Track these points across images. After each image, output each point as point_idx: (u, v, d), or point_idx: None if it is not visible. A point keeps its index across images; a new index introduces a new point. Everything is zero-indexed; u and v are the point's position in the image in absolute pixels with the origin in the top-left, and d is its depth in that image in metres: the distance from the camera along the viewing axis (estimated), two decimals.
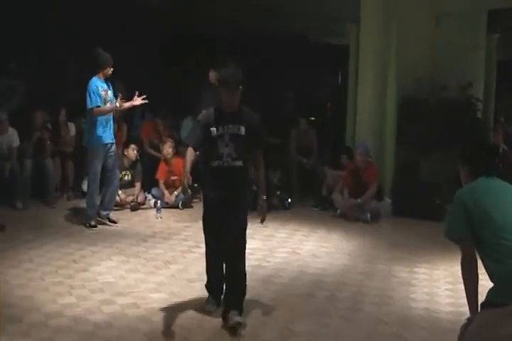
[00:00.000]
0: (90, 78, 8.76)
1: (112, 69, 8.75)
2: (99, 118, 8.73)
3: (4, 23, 11.73)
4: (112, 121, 8.96)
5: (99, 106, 8.68)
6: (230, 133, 5.63)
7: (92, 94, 8.64)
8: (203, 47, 14.34)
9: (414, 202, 9.84)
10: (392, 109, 10.74)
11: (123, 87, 12.17)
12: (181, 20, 13.84)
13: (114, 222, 9.24)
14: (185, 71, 14.78)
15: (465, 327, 3.58)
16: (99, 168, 8.92)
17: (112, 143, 8.99)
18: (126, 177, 10.61)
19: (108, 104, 8.75)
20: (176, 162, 10.81)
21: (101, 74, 8.75)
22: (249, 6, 12.54)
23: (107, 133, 8.83)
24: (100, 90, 8.68)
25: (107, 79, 8.87)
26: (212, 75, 9.72)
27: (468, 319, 3.60)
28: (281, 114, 13.80)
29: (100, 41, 9.24)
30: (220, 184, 5.71)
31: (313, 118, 13.36)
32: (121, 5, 12.57)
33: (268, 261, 7.65)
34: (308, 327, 5.54)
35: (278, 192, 10.92)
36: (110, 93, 8.86)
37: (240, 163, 5.67)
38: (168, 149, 10.76)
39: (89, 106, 8.70)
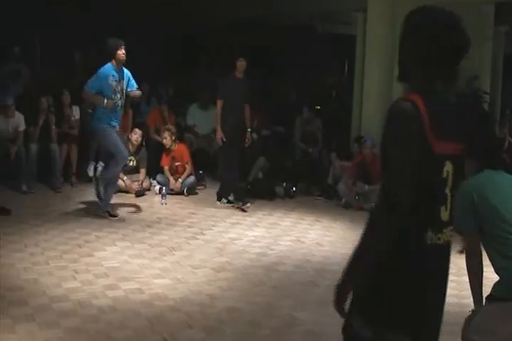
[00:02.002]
0: (97, 64, 8.63)
1: (123, 51, 8.34)
2: (107, 99, 8.49)
3: (9, 7, 11.73)
4: (118, 108, 8.61)
5: (90, 92, 8.50)
6: None
7: (96, 78, 8.42)
8: (212, 36, 14.34)
9: None
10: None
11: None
12: (191, 7, 13.82)
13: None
14: (193, 60, 14.78)
15: (469, 319, 3.57)
16: (116, 145, 8.61)
17: (115, 127, 8.68)
18: (131, 163, 10.60)
19: (118, 95, 8.46)
20: (179, 148, 10.82)
21: (114, 62, 8.40)
22: None
23: (110, 118, 8.53)
24: (110, 80, 8.39)
25: (121, 68, 8.54)
26: (244, 64, 9.66)
27: (472, 311, 3.60)
28: (286, 102, 13.79)
29: (109, 27, 9.21)
30: None
31: (318, 107, 13.34)
32: None
33: (272, 249, 7.65)
34: (311, 315, 5.55)
35: (284, 184, 10.87)
36: (124, 83, 8.54)
37: None
38: (165, 140, 10.72)
39: (85, 86, 8.54)
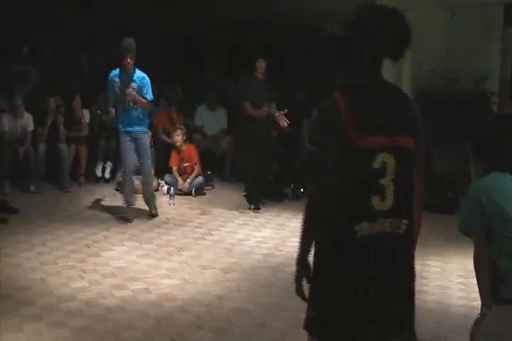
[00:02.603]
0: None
1: (128, 61, 8.30)
2: (116, 104, 8.59)
3: (18, 9, 11.75)
4: (135, 113, 8.55)
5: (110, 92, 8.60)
6: None
7: (108, 82, 8.54)
8: (219, 36, 14.31)
9: (426, 195, 9.77)
10: None
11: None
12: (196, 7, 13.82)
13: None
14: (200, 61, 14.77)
15: (478, 322, 3.54)
16: (125, 157, 8.65)
17: (135, 133, 8.58)
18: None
19: (128, 96, 8.42)
20: (188, 149, 10.83)
21: (122, 65, 8.40)
22: None
23: (123, 120, 8.55)
24: (116, 83, 8.45)
25: (130, 72, 8.46)
26: (264, 65, 9.64)
27: (481, 314, 3.57)
28: (294, 104, 13.74)
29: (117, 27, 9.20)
30: None
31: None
32: None
33: (280, 250, 7.63)
34: None
35: (292, 185, 10.87)
36: (134, 85, 8.43)
37: None
38: (177, 137, 10.74)
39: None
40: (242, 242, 7.90)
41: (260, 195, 9.79)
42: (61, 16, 12.54)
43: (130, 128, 8.53)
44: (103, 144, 11.27)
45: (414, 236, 2.99)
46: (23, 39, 12.00)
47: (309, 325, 3.04)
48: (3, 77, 11.75)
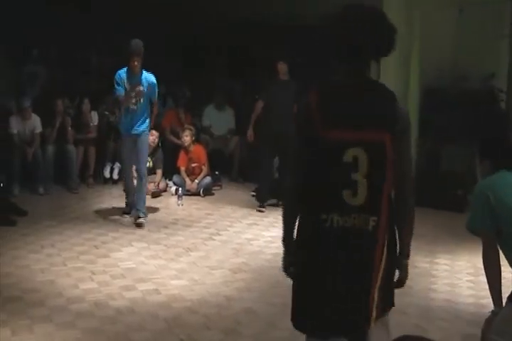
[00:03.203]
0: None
1: (134, 64, 8.23)
2: (123, 108, 8.54)
3: (28, 10, 11.75)
4: (138, 116, 8.44)
5: (120, 95, 8.45)
6: None
7: (115, 82, 8.43)
8: (223, 36, 14.29)
9: (435, 192, 9.76)
10: (415, 98, 10.66)
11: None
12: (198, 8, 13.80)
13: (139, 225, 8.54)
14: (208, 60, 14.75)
15: (490, 320, 3.54)
16: (124, 156, 8.69)
17: (136, 135, 8.48)
18: (147, 164, 10.61)
19: (133, 99, 8.34)
20: (196, 149, 10.84)
21: (128, 67, 8.34)
22: None
23: (127, 122, 8.48)
24: (121, 82, 8.36)
25: (137, 73, 8.37)
26: (284, 67, 9.64)
27: (492, 312, 3.57)
28: (297, 101, 13.74)
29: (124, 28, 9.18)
30: None
31: None
32: None
33: None
34: None
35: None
36: (141, 88, 8.35)
37: None
38: (185, 138, 10.75)
39: (115, 94, 8.59)
40: (251, 242, 7.90)
41: (268, 195, 9.82)
42: (61, 16, 12.50)
43: (132, 131, 8.47)
44: (111, 145, 11.28)
45: (380, 234, 2.97)
46: (32, 39, 12.02)
47: (292, 317, 3.19)
48: (13, 78, 11.78)
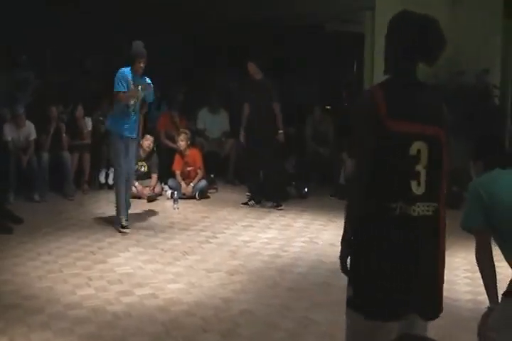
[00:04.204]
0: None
1: (141, 65, 8.27)
2: (119, 109, 8.44)
3: (18, 15, 11.75)
4: (134, 117, 8.44)
5: (123, 92, 8.28)
6: None
7: (117, 79, 8.28)
8: (223, 38, 14.34)
9: None
10: None
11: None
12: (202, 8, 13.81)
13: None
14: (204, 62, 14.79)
15: (486, 316, 3.56)
16: (119, 160, 8.45)
17: (131, 138, 8.45)
18: (142, 169, 10.67)
19: (132, 101, 8.32)
20: (191, 153, 10.88)
21: (133, 68, 8.31)
22: None
23: (123, 123, 8.38)
24: (125, 80, 8.26)
25: (142, 75, 8.41)
26: (253, 67, 9.72)
27: (488, 308, 3.59)
28: (296, 102, 13.76)
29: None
30: None
31: (328, 107, 13.33)
32: None
33: (285, 251, 7.66)
34: (327, 316, 5.55)
35: (293, 183, 10.97)
36: (140, 91, 8.34)
37: None
38: (181, 142, 10.78)
39: (115, 91, 8.40)
40: (247, 244, 7.94)
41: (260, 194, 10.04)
42: (61, 16, 12.50)
43: (132, 135, 8.45)
44: (106, 150, 11.30)
45: (441, 219, 3.25)
46: (23, 41, 12.01)
47: (351, 302, 3.26)
48: (4, 84, 11.76)
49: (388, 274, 3.10)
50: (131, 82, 8.29)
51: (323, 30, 15.37)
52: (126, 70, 8.35)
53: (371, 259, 3.14)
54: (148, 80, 8.46)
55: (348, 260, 3.29)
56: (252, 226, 8.85)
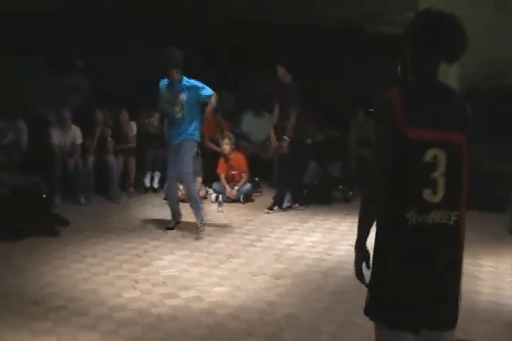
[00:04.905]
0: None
1: (174, 75, 8.21)
2: (167, 113, 8.60)
3: (72, 20, 11.82)
4: (179, 120, 8.37)
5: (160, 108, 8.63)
6: None
7: (157, 95, 8.44)
8: (258, 38, 14.30)
9: (476, 193, 9.61)
10: None
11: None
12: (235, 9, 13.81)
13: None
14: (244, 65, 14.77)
15: None
16: (169, 166, 8.63)
17: (177, 142, 8.44)
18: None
19: (176, 108, 8.28)
20: (236, 157, 10.91)
21: (168, 78, 8.32)
22: None
23: (171, 130, 8.56)
24: (165, 93, 8.35)
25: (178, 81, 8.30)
26: (282, 70, 9.73)
27: None
28: (339, 105, 13.72)
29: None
30: None
31: (371, 110, 13.27)
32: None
33: (330, 255, 7.65)
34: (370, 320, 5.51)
35: (340, 186, 10.95)
36: (183, 97, 8.28)
37: None
38: (225, 146, 10.83)
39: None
40: (292, 247, 7.94)
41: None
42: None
43: (177, 140, 8.45)
44: (150, 154, 11.41)
45: (462, 229, 3.15)
46: (75, 49, 12.09)
47: (369, 309, 3.21)
48: (52, 88, 11.88)
49: (406, 278, 3.04)
50: (166, 94, 8.34)
51: (363, 31, 15.27)
52: (162, 83, 8.40)
53: (389, 263, 3.09)
54: (189, 82, 8.34)
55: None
56: (296, 229, 8.86)
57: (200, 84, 8.36)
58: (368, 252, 3.30)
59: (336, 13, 13.19)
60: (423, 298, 3.04)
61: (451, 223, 3.07)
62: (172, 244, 8.03)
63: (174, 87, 8.32)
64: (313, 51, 14.00)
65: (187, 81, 8.35)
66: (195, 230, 8.40)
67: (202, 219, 8.49)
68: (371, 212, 3.18)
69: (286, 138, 9.67)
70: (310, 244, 8.10)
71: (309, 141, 11.58)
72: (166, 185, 9.20)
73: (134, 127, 11.28)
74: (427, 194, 3.01)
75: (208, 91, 8.36)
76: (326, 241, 8.27)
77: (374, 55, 15.23)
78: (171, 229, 8.66)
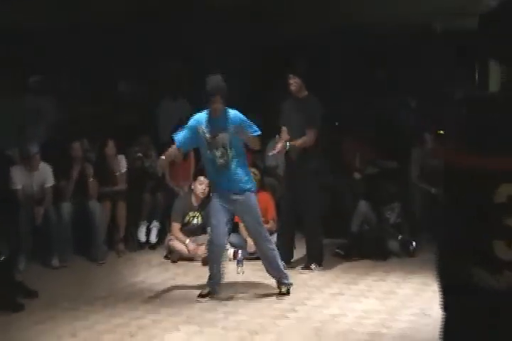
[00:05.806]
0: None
1: (215, 106, 8.22)
2: (204, 158, 8.64)
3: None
4: (223, 167, 8.38)
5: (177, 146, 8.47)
6: None
7: (184, 127, 8.49)
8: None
9: None
10: None
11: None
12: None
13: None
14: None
15: None
16: (213, 220, 8.63)
17: (227, 193, 8.48)
18: (194, 221, 10.71)
19: (218, 152, 8.29)
20: (261, 198, 10.60)
21: (209, 109, 8.36)
22: None
23: (214, 179, 8.66)
24: (201, 131, 8.33)
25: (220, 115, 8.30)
26: (297, 82, 9.71)
27: None
28: (398, 128, 13.69)
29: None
30: None
31: (441, 132, 13.21)
32: None
33: (388, 327, 7.57)
34: None
35: (400, 236, 10.85)
36: (227, 137, 8.25)
37: None
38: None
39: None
40: (337, 319, 7.86)
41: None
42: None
43: (225, 189, 8.47)
44: (147, 199, 11.39)
45: None
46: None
47: None
48: (13, 116, 11.84)
49: None
50: (205, 132, 8.32)
51: (432, 32, 15.29)
52: (201, 116, 8.41)
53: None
54: (234, 115, 8.35)
55: None
56: (341, 294, 8.81)
57: (244, 121, 8.37)
58: None
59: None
60: None
61: None
62: (176, 317, 7.98)
63: (215, 123, 8.32)
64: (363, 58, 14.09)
65: (231, 114, 8.36)
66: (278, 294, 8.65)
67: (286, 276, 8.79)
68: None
69: (289, 143, 9.59)
70: (361, 313, 8.03)
71: (357, 175, 11.54)
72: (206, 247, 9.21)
73: (123, 162, 11.27)
74: (498, 247, 2.83)
75: (254, 129, 8.40)
76: (383, 309, 8.22)
77: (445, 60, 15.27)
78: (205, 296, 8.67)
